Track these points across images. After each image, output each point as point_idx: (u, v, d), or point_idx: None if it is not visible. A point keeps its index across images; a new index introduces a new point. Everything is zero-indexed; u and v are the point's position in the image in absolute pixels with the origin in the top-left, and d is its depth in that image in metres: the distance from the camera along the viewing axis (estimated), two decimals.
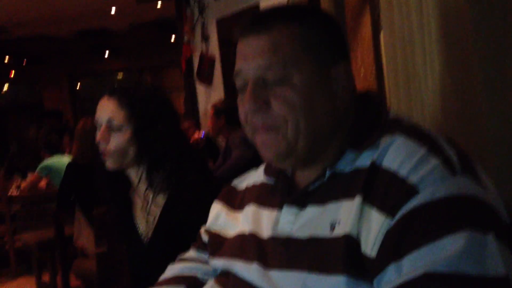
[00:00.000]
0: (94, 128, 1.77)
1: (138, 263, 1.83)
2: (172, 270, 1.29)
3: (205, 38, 5.15)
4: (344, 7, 3.04)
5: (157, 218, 1.76)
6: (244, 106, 1.01)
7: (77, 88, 11.94)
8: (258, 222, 1.10)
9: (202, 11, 5.14)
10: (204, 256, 1.27)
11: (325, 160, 1.01)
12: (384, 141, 0.94)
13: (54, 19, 8.46)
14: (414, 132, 0.93)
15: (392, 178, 0.87)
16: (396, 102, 1.74)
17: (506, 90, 1.40)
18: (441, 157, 0.87)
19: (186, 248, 1.37)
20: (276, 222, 1.05)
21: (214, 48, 5.10)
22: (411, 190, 0.84)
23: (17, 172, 6.59)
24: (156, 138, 1.70)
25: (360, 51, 2.99)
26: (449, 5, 1.46)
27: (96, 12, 8.22)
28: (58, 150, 5.54)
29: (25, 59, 10.86)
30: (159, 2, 7.30)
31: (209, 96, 5.27)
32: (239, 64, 1.02)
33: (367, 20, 2.98)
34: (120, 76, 12.11)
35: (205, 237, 1.29)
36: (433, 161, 0.86)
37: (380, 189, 0.88)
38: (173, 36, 8.28)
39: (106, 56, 11.21)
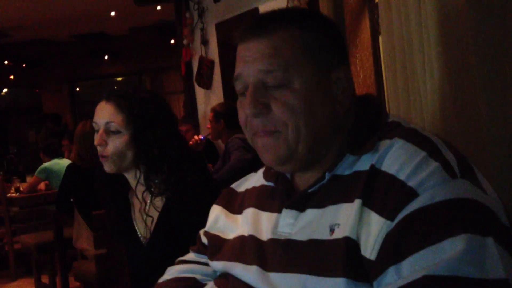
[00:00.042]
0: (93, 131, 1.78)
1: (137, 265, 1.83)
2: (172, 272, 1.29)
3: (205, 41, 5.16)
4: (343, 10, 3.05)
5: (155, 220, 1.76)
6: (244, 110, 1.01)
7: (77, 91, 11.93)
8: (258, 225, 1.11)
9: (201, 14, 5.14)
10: (204, 258, 1.27)
11: (325, 163, 1.01)
12: (384, 144, 0.94)
13: (54, 23, 8.46)
14: (414, 136, 0.93)
15: (392, 181, 0.88)
16: (395, 105, 1.74)
17: (505, 93, 1.41)
18: (441, 160, 0.87)
19: (185, 250, 1.37)
20: (275, 225, 1.05)
21: (213, 51, 5.10)
22: (411, 193, 0.85)
23: (16, 174, 6.59)
24: (154, 141, 1.71)
25: (359, 54, 2.99)
26: (447, 8, 1.47)
27: (95, 15, 8.23)
28: (57, 153, 5.54)
29: (24, 63, 10.86)
30: (159, 6, 7.31)
31: (208, 100, 5.27)
32: (239, 68, 1.02)
33: (366, 24, 2.98)
34: (119, 79, 12.11)
35: (204, 239, 1.29)
36: (433, 165, 0.87)
37: (380, 192, 0.89)
38: (173, 39, 8.29)
39: (105, 59, 11.21)
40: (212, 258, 1.20)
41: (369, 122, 1.02)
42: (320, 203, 0.99)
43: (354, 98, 1.05)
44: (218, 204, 1.29)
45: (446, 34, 1.48)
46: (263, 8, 4.26)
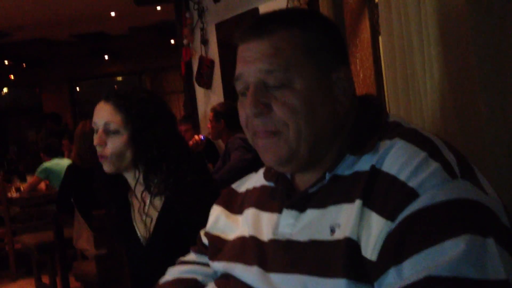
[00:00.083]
0: (92, 131, 1.78)
1: (137, 265, 1.83)
2: (172, 272, 1.29)
3: (204, 41, 5.16)
4: (343, 10, 3.05)
5: (154, 220, 1.76)
6: (245, 110, 1.01)
7: (77, 91, 11.94)
8: (258, 225, 1.11)
9: (201, 14, 5.14)
10: (204, 258, 1.27)
11: (325, 163, 1.01)
12: (384, 145, 0.94)
13: (54, 23, 8.46)
14: (414, 136, 0.93)
15: (392, 181, 0.88)
16: (395, 105, 1.74)
17: (504, 93, 1.41)
18: (441, 161, 0.87)
19: (184, 250, 1.37)
20: (276, 225, 1.05)
21: (213, 51, 5.10)
22: (412, 194, 0.85)
23: (17, 174, 6.60)
24: (152, 141, 1.72)
25: (359, 54, 3.00)
26: (447, 9, 1.47)
27: (95, 15, 8.23)
28: (57, 153, 5.54)
29: (24, 63, 10.86)
30: (159, 6, 7.31)
31: (208, 99, 5.27)
32: (240, 68, 1.02)
33: (366, 24, 2.98)
34: (119, 79, 12.11)
35: (205, 240, 1.29)
36: (433, 165, 0.87)
37: (380, 192, 0.89)
38: (173, 39, 8.29)
39: (105, 59, 11.21)
40: (212, 258, 1.20)
41: (369, 122, 1.02)
42: (321, 204, 0.99)
43: (355, 98, 1.05)
44: (218, 204, 1.29)
45: (446, 34, 1.48)
46: (263, 8, 4.26)
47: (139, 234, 1.80)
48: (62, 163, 5.12)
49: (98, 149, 1.74)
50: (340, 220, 0.93)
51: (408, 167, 0.87)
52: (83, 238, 3.47)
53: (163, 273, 1.31)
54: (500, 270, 0.77)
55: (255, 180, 1.23)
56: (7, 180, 5.98)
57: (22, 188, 5.54)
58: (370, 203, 0.89)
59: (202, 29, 5.16)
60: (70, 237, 3.64)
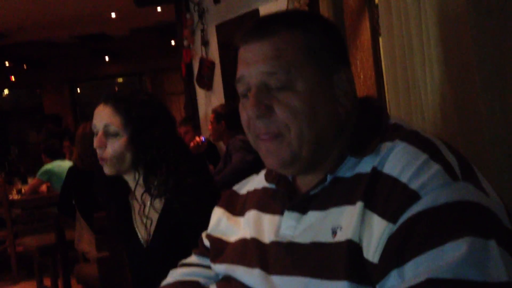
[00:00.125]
0: (93, 133, 1.79)
1: (139, 267, 1.83)
2: (174, 275, 1.28)
3: (205, 43, 5.16)
4: (343, 12, 3.05)
5: (155, 222, 1.77)
6: (247, 112, 1.01)
7: (77, 92, 11.94)
8: (260, 227, 1.11)
9: (201, 16, 5.14)
10: (206, 261, 1.27)
11: (326, 165, 1.01)
12: (385, 147, 0.94)
13: (54, 24, 8.47)
14: (415, 138, 0.93)
15: (394, 184, 0.88)
16: (396, 107, 1.74)
17: (504, 94, 1.41)
18: (442, 163, 0.87)
19: (185, 251, 1.37)
20: (278, 227, 1.05)
21: (214, 53, 5.10)
22: (413, 196, 0.85)
23: (18, 176, 6.59)
24: (152, 142, 1.72)
25: (359, 56, 3.00)
26: (447, 10, 1.47)
27: (96, 17, 8.23)
28: (59, 154, 5.54)
29: (25, 64, 10.87)
30: (159, 7, 7.31)
31: (209, 101, 5.27)
32: (242, 70, 1.02)
33: (366, 25, 2.98)
34: (120, 80, 12.12)
35: (206, 242, 1.29)
36: (435, 167, 0.87)
37: (382, 194, 0.89)
38: (173, 40, 8.29)
39: (106, 60, 11.21)
40: (214, 261, 1.20)
41: (370, 124, 1.02)
42: (322, 206, 0.99)
43: (356, 100, 1.05)
44: (220, 206, 1.29)
45: (446, 34, 1.49)
46: (263, 10, 4.26)
47: (139, 236, 1.81)
48: (63, 165, 5.12)
49: (98, 151, 1.74)
50: (342, 222, 0.93)
51: (409, 169, 0.87)
52: (85, 241, 3.47)
53: (164, 275, 1.31)
54: (502, 272, 0.77)
55: (257, 182, 1.23)
56: (8, 182, 5.98)
57: (23, 190, 5.54)
58: (371, 205, 0.89)
59: (202, 31, 5.16)
60: (71, 239, 3.64)
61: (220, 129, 4.13)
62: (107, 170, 1.76)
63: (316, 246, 0.95)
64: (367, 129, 1.01)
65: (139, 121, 1.72)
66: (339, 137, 1.02)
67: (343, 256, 0.89)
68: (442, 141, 0.95)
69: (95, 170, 1.90)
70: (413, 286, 0.78)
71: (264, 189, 1.18)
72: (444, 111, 1.52)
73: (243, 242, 1.13)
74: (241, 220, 1.19)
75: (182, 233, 1.68)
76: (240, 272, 1.08)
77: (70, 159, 5.43)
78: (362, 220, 0.89)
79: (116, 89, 11.75)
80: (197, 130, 4.90)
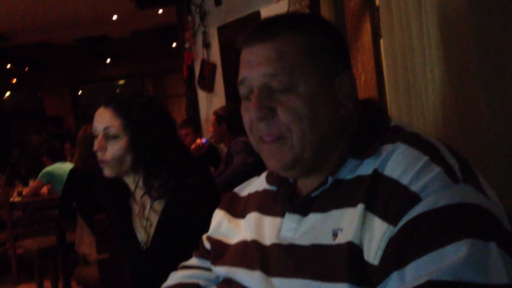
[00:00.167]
0: (94, 135, 1.79)
1: (139, 269, 1.84)
2: (175, 277, 1.29)
3: (206, 45, 5.16)
4: (344, 14, 3.06)
5: (155, 224, 1.77)
6: (249, 114, 1.01)
7: (79, 94, 11.95)
8: (261, 230, 1.11)
9: (203, 18, 5.15)
10: (207, 263, 1.27)
11: (328, 167, 1.01)
12: (386, 149, 0.94)
13: (56, 26, 8.49)
14: (416, 140, 0.93)
15: (395, 186, 0.88)
16: (397, 109, 1.74)
17: (506, 95, 1.41)
18: (443, 165, 0.87)
19: (186, 253, 1.37)
20: (278, 230, 1.05)
21: (215, 54, 5.10)
22: (414, 198, 0.85)
23: (19, 178, 6.60)
24: (152, 145, 1.73)
25: (360, 58, 3.00)
26: (448, 11, 1.47)
27: (97, 19, 8.25)
28: (60, 156, 5.54)
29: (27, 66, 10.88)
30: (160, 9, 7.32)
31: (210, 103, 5.28)
32: (244, 72, 1.02)
33: (367, 28, 2.98)
34: (121, 82, 12.13)
35: (207, 244, 1.29)
36: (435, 169, 0.87)
37: (383, 197, 0.89)
38: (175, 42, 8.30)
39: (107, 62, 11.23)
40: (215, 263, 1.20)
41: (371, 126, 1.02)
42: (323, 208, 0.99)
43: (357, 102, 1.05)
44: (221, 208, 1.29)
45: (447, 36, 1.49)
46: (264, 12, 4.26)
47: (139, 238, 1.81)
48: (64, 167, 5.12)
49: (99, 154, 1.75)
50: (343, 224, 0.93)
51: (410, 171, 0.88)
52: (85, 243, 3.47)
53: (164, 277, 1.31)
54: (502, 274, 0.77)
55: (258, 184, 1.23)
56: (9, 184, 5.98)
57: (24, 192, 5.54)
58: (372, 207, 0.89)
59: (204, 33, 5.16)
60: (72, 242, 3.64)
61: (221, 131, 4.13)
62: (107, 172, 1.76)
63: (317, 248, 0.95)
64: (368, 131, 1.01)
65: (139, 123, 1.73)
66: (341, 139, 1.02)
67: (343, 258, 0.89)
68: (443, 143, 0.95)
69: (95, 173, 1.90)
70: None
71: (265, 191, 1.18)
72: (445, 113, 1.52)
73: (243, 244, 1.13)
74: (242, 222, 1.19)
75: (182, 235, 1.69)
76: (241, 275, 1.08)
77: (71, 161, 5.43)
78: (363, 222, 0.89)
79: (118, 91, 11.77)
80: (198, 132, 4.89)
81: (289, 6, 3.67)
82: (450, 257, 0.78)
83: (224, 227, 1.24)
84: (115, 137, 1.73)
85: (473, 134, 1.44)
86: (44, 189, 5.40)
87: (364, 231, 0.89)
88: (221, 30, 4.97)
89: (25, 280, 5.36)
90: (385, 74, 2.77)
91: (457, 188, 0.85)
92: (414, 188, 0.85)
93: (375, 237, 0.87)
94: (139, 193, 1.80)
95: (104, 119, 1.75)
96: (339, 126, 1.01)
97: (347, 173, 0.98)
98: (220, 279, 1.18)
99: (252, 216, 1.16)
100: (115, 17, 8.21)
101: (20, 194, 5.58)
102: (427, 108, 1.57)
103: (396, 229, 0.85)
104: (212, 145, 4.56)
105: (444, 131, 1.51)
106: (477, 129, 1.43)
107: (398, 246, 0.83)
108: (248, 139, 1.08)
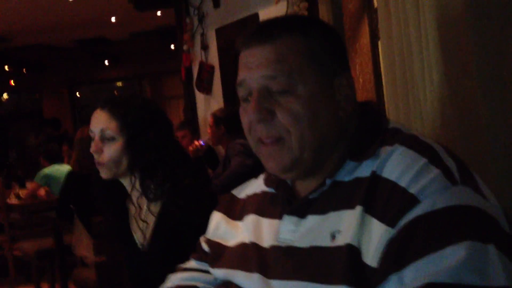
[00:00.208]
0: (90, 137, 1.80)
1: (136, 271, 1.84)
2: (173, 280, 1.28)
3: (205, 47, 5.17)
4: (342, 16, 3.06)
5: (152, 225, 1.77)
6: (248, 116, 1.01)
7: (77, 96, 11.95)
8: (259, 232, 1.10)
9: (201, 20, 5.15)
10: (205, 265, 1.26)
11: (326, 169, 1.01)
12: (384, 151, 0.94)
13: (54, 28, 8.48)
14: (414, 143, 0.94)
15: (393, 188, 0.88)
16: (395, 110, 1.74)
17: (504, 97, 1.41)
18: (441, 167, 0.87)
19: (183, 255, 1.36)
20: (277, 232, 1.05)
21: (213, 57, 5.10)
22: (412, 200, 0.85)
23: (16, 180, 6.58)
24: (148, 146, 1.74)
25: (358, 60, 3.00)
26: (446, 13, 1.47)
27: (96, 20, 8.24)
28: (57, 158, 5.53)
29: (25, 68, 10.87)
30: (159, 11, 7.32)
31: (208, 105, 5.28)
32: (243, 74, 1.02)
33: (365, 29, 2.98)
34: (119, 84, 12.12)
35: (205, 247, 1.28)
36: (434, 171, 0.87)
37: (381, 199, 0.89)
38: (173, 44, 8.30)
39: (106, 64, 11.22)
40: (213, 265, 1.19)
41: (370, 128, 1.02)
42: (321, 210, 0.99)
43: (356, 104, 1.05)
44: (218, 210, 1.29)
45: (445, 39, 1.49)
46: (263, 14, 4.27)
47: (136, 240, 1.81)
48: (62, 169, 5.11)
49: (95, 156, 1.77)
50: (341, 226, 0.93)
51: (408, 174, 0.88)
52: (83, 245, 3.46)
53: (162, 279, 1.30)
54: (501, 276, 0.77)
55: (256, 186, 1.23)
56: (6, 186, 5.96)
57: (21, 194, 5.53)
58: (370, 210, 0.89)
59: (202, 35, 5.16)
60: (70, 244, 3.64)
61: (219, 133, 4.13)
62: (104, 174, 1.77)
63: (315, 250, 0.95)
64: (367, 133, 1.01)
65: (135, 125, 1.74)
66: (339, 141, 1.02)
67: (342, 260, 0.89)
68: (441, 145, 0.95)
69: (92, 175, 1.90)
70: None
71: (263, 193, 1.18)
72: (444, 115, 1.52)
73: (242, 246, 1.13)
74: (240, 224, 1.19)
75: (179, 236, 1.69)
76: (240, 277, 1.08)
77: (68, 163, 5.42)
78: (362, 225, 0.89)
79: (116, 93, 11.77)
80: (195, 134, 4.89)
81: (287, 8, 3.67)
82: (449, 259, 0.78)
83: (222, 229, 1.24)
84: (111, 139, 1.74)
85: (472, 136, 1.44)
86: (42, 191, 5.39)
87: (362, 233, 0.89)
88: (219, 32, 4.97)
89: (22, 282, 5.34)
90: (383, 76, 2.78)
91: (456, 190, 0.85)
92: (412, 190, 0.86)
93: (374, 239, 0.87)
94: (135, 194, 1.80)
95: (100, 121, 1.76)
96: (338, 128, 1.01)
97: (345, 175, 0.98)
98: (219, 282, 1.18)
99: (250, 218, 1.15)
100: (113, 19, 8.20)
101: (17, 196, 5.56)
102: (425, 110, 1.57)
103: (394, 231, 0.85)
104: (210, 147, 4.56)
105: (443, 133, 1.51)
106: (476, 131, 1.43)
107: (396, 248, 0.83)
108: (246, 141, 1.07)
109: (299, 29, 1.01)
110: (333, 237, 0.93)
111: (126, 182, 1.82)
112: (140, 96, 2.17)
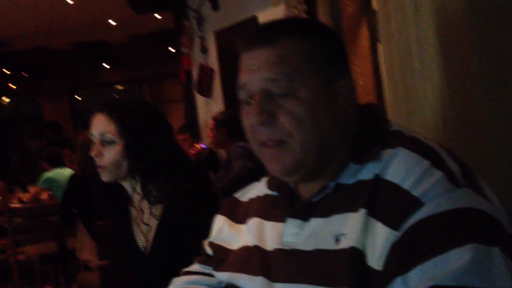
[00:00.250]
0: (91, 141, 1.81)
1: (140, 275, 1.84)
2: (177, 283, 1.28)
3: (204, 49, 5.17)
4: (341, 18, 3.06)
5: (154, 229, 1.77)
6: (249, 119, 1.01)
7: (77, 100, 11.94)
8: (262, 235, 1.11)
9: (200, 23, 5.15)
10: (208, 269, 1.27)
11: (329, 172, 1.01)
12: (387, 154, 0.94)
13: (54, 32, 8.48)
14: (416, 145, 0.94)
15: (396, 191, 0.88)
16: (396, 113, 1.74)
17: (505, 98, 1.41)
18: (444, 169, 0.88)
19: (186, 258, 1.36)
20: (280, 235, 1.05)
21: (213, 59, 5.11)
22: (416, 203, 0.85)
23: (18, 184, 6.57)
24: (147, 150, 1.74)
25: (358, 62, 3.00)
26: (446, 14, 1.48)
27: (95, 24, 8.25)
28: (59, 162, 5.53)
29: (24, 72, 10.87)
30: (158, 14, 7.32)
31: (209, 108, 5.28)
32: (244, 77, 1.02)
33: (364, 32, 2.99)
34: (119, 87, 12.12)
35: (209, 250, 1.29)
36: (437, 174, 0.87)
37: (385, 202, 0.89)
38: (172, 47, 8.30)
39: (105, 67, 11.22)
40: (217, 269, 1.20)
41: (371, 131, 1.02)
42: (324, 212, 0.99)
43: (357, 106, 1.05)
44: (221, 214, 1.29)
45: (445, 40, 1.49)
46: (261, 16, 4.27)
47: (139, 244, 1.81)
48: (64, 172, 5.12)
49: (96, 160, 1.77)
50: (345, 229, 0.93)
51: (411, 176, 0.88)
52: (86, 249, 3.47)
53: (165, 282, 1.31)
54: (506, 279, 0.77)
55: (258, 189, 1.23)
56: (8, 190, 5.96)
57: (24, 198, 5.53)
58: (374, 212, 0.90)
59: (201, 38, 5.17)
60: (73, 248, 3.64)
61: (220, 136, 4.12)
62: (104, 177, 1.78)
63: (319, 253, 0.95)
64: (368, 136, 1.01)
65: (134, 128, 1.74)
66: (341, 144, 1.02)
67: (347, 263, 0.89)
68: (443, 147, 0.95)
69: (94, 178, 1.91)
70: None
71: (266, 197, 1.18)
72: (444, 117, 1.52)
73: (245, 250, 1.13)
74: (243, 227, 1.19)
75: (182, 240, 1.69)
76: (243, 280, 1.08)
77: (70, 167, 5.43)
78: (366, 227, 0.89)
79: (116, 96, 11.75)
80: (196, 138, 4.89)
81: (286, 10, 3.67)
82: (453, 262, 0.78)
83: (225, 232, 1.24)
84: (111, 142, 1.74)
85: (473, 137, 1.45)
86: (45, 195, 5.39)
87: (366, 236, 0.89)
88: (218, 35, 4.98)
89: (26, 286, 5.33)
90: (383, 79, 2.78)
91: (459, 193, 0.85)
92: (416, 193, 0.86)
93: (378, 242, 0.87)
94: (137, 198, 1.80)
95: (99, 125, 1.76)
96: (340, 130, 1.01)
97: (348, 178, 0.98)
98: (222, 285, 1.18)
99: (254, 222, 1.16)
100: (113, 22, 8.21)
101: (20, 200, 5.56)
102: (426, 112, 1.58)
103: (398, 234, 0.85)
104: (211, 150, 4.56)
105: (444, 134, 1.52)
106: (478, 133, 1.43)
107: (401, 251, 0.83)
108: (247, 144, 1.07)
109: (300, 32, 1.01)
110: (337, 240, 0.93)
111: (127, 186, 1.82)
112: (139, 99, 2.16)
